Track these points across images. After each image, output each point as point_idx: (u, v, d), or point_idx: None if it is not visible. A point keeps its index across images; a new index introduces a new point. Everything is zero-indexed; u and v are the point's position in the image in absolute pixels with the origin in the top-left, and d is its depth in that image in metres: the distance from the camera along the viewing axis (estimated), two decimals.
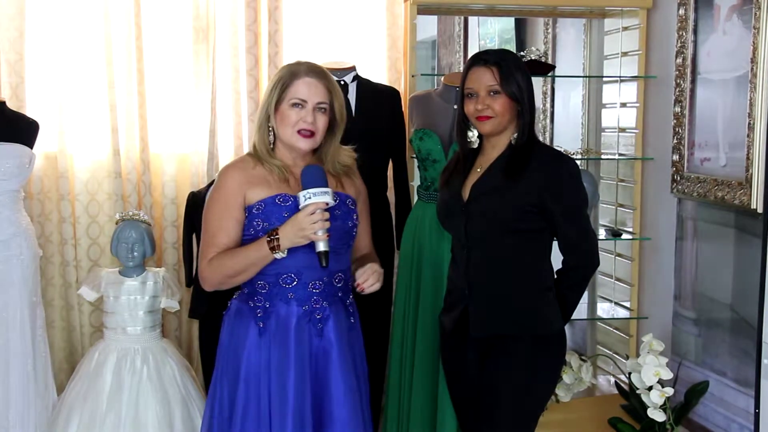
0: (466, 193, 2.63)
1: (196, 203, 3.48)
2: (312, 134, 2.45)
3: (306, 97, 2.44)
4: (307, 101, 2.44)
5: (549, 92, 4.69)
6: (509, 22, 5.05)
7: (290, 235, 2.35)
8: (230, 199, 2.45)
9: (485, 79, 2.58)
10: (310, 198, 2.34)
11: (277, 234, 2.37)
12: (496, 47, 5.04)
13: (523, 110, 2.59)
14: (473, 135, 2.69)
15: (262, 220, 2.42)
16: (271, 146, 2.51)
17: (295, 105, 2.44)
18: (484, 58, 2.60)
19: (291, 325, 2.45)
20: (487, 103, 2.57)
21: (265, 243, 2.38)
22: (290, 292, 2.45)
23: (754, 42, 3.12)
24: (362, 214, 2.62)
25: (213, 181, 3.26)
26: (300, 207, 2.36)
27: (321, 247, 2.36)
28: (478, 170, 2.65)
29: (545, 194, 2.54)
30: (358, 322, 2.61)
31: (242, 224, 2.46)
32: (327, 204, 2.36)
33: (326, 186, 2.37)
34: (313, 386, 2.46)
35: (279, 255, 2.39)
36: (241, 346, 2.48)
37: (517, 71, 2.58)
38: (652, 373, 3.34)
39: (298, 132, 2.44)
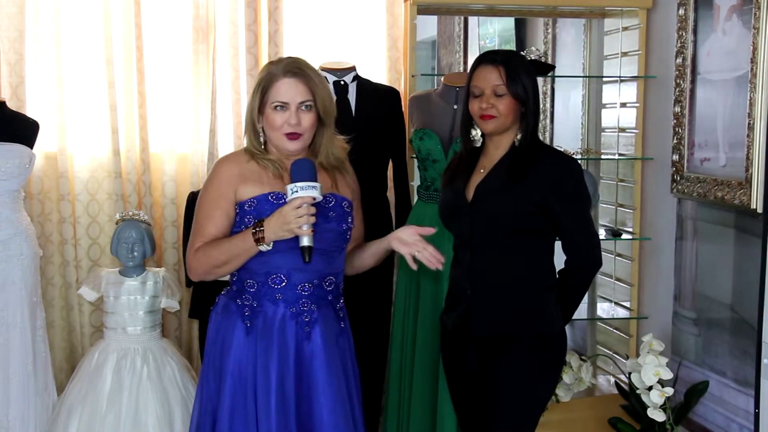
0: (469, 194, 2.63)
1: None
2: (299, 136, 2.43)
3: (287, 99, 2.42)
4: (288, 103, 2.42)
5: (549, 92, 4.69)
6: (509, 22, 5.05)
7: (275, 227, 2.33)
8: (221, 191, 2.44)
9: (491, 78, 2.58)
10: (297, 192, 2.31)
11: (262, 226, 2.35)
12: (496, 47, 5.05)
13: (528, 112, 2.59)
14: (477, 134, 2.69)
15: (253, 217, 2.40)
16: (263, 146, 2.50)
17: (277, 108, 2.42)
18: (492, 57, 2.61)
19: (275, 324, 2.43)
20: (491, 102, 2.57)
21: (250, 234, 2.35)
22: (278, 293, 2.44)
23: (754, 42, 3.12)
24: (356, 211, 2.60)
25: None
26: (287, 200, 2.33)
27: (305, 241, 2.32)
28: (482, 171, 2.65)
29: (548, 194, 2.54)
30: (348, 326, 2.59)
31: (231, 217, 2.44)
32: (314, 199, 2.32)
33: (315, 180, 2.34)
34: (301, 389, 2.44)
35: (264, 247, 2.36)
36: (228, 342, 2.46)
37: (524, 73, 2.58)
38: (652, 373, 3.35)
39: (285, 135, 2.43)
